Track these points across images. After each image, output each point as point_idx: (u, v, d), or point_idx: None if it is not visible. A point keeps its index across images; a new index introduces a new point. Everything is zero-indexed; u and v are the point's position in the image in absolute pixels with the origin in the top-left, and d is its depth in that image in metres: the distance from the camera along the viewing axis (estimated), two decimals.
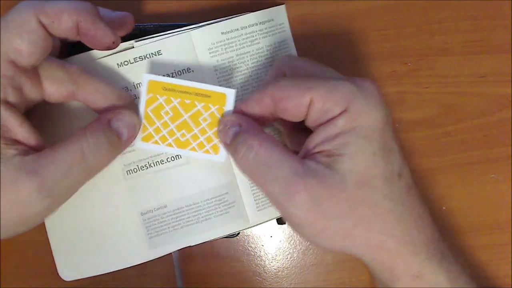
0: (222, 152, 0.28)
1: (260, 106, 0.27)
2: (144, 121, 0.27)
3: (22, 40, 0.24)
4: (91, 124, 0.26)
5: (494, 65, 0.36)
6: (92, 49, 0.28)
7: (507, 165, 0.36)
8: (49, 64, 0.26)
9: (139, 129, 0.27)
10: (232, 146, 0.26)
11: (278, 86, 0.26)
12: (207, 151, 0.28)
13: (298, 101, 0.25)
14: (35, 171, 0.23)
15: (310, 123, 0.26)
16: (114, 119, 0.26)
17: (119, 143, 0.26)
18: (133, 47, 0.29)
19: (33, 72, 0.26)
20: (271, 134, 0.31)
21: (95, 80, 0.27)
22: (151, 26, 0.31)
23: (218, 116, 0.27)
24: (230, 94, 0.27)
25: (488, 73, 0.36)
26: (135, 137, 0.27)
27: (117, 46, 0.27)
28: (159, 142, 0.28)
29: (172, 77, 0.29)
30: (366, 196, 0.25)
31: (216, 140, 0.28)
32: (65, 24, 0.25)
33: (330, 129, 0.25)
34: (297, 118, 0.26)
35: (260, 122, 0.27)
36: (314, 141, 0.25)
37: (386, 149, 0.25)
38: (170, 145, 0.28)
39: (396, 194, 0.25)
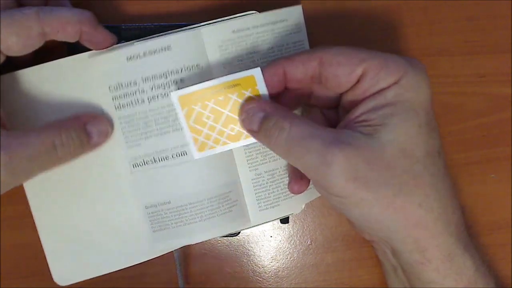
0: None
1: (305, 67, 0.26)
2: (191, 134, 0.28)
3: (18, 41, 0.26)
4: (67, 121, 0.27)
5: (494, 65, 0.36)
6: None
7: (507, 165, 0.36)
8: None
9: (110, 136, 0.29)
10: (262, 132, 0.26)
11: (330, 51, 0.26)
12: None
13: (350, 69, 0.25)
14: (5, 148, 0.24)
15: (356, 94, 0.26)
16: (90, 124, 0.28)
17: (88, 145, 0.28)
18: None
19: None
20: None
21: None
22: (152, 26, 0.31)
23: (255, 97, 0.27)
24: (257, 73, 0.27)
25: (488, 73, 0.36)
26: (104, 143, 0.29)
27: (114, 44, 0.29)
28: (214, 146, 0.28)
29: (181, 73, 0.29)
30: (407, 166, 0.24)
31: None
32: (69, 33, 0.27)
33: (378, 100, 0.25)
34: (341, 88, 0.26)
35: (294, 92, 0.26)
36: (359, 110, 0.25)
37: (431, 125, 0.25)
38: (225, 143, 0.28)
39: (436, 169, 0.25)
